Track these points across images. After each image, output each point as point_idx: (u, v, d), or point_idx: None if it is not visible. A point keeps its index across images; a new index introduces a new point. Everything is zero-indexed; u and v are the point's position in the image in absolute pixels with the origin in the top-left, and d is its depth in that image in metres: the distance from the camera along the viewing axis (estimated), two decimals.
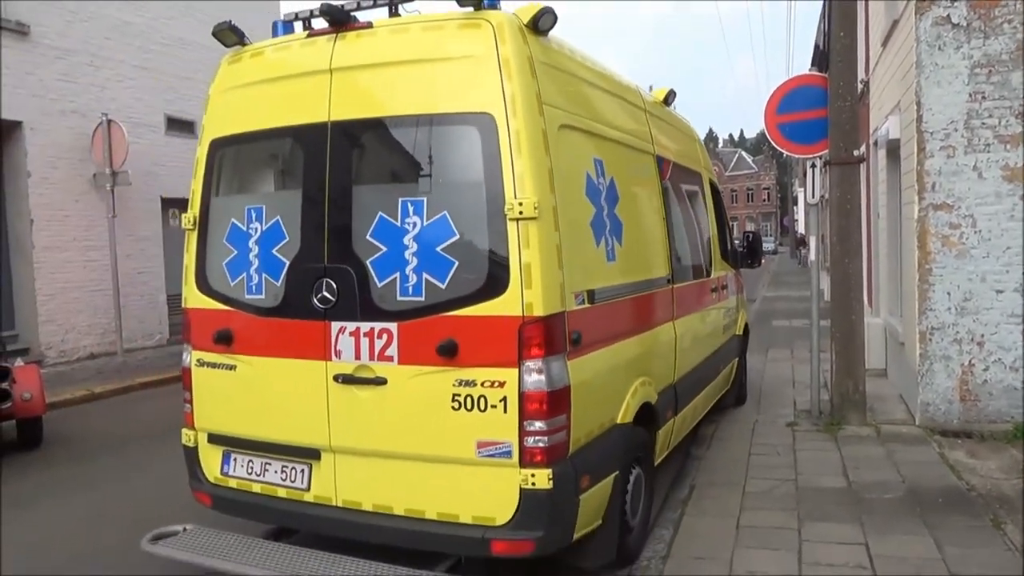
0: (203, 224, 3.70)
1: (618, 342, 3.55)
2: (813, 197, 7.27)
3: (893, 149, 8.29)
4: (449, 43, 3.12)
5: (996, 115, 6.50)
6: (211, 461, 3.73)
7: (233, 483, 3.63)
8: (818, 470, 5.70)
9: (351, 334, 3.25)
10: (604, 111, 3.75)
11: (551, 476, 2.98)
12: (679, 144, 5.23)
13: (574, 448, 3.11)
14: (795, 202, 57.98)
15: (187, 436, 3.83)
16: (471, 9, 3.03)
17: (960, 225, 6.62)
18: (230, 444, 3.63)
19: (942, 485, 5.23)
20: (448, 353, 3.07)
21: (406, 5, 3.36)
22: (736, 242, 6.80)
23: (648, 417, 3.74)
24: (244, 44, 3.60)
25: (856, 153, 6.83)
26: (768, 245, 60.31)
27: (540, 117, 3.07)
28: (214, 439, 3.70)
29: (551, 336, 3.02)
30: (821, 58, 22.93)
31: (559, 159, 3.13)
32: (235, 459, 3.64)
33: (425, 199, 3.16)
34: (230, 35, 3.59)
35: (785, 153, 7.43)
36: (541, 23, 3.18)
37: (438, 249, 3.12)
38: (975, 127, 6.54)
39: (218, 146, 3.66)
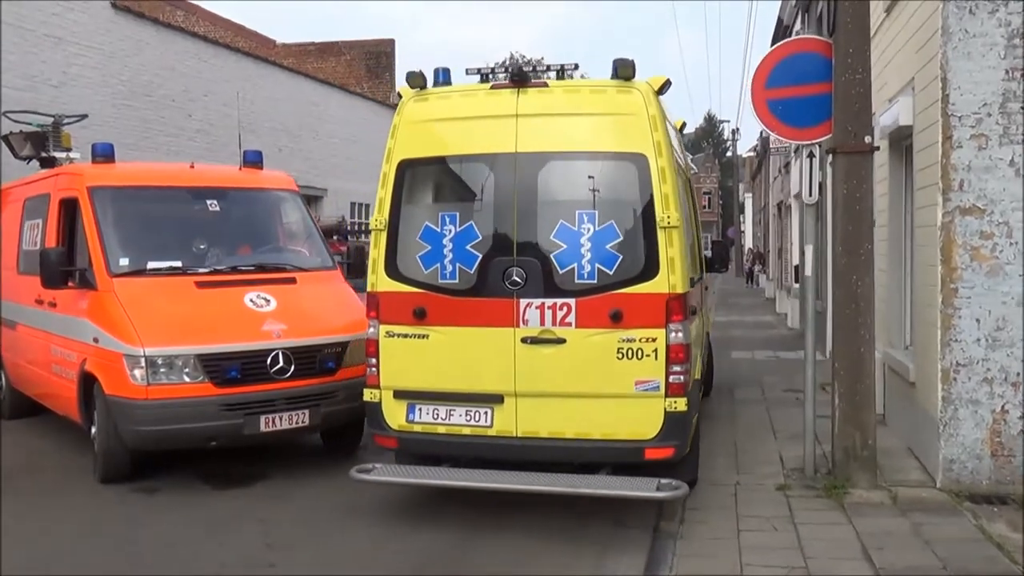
0: (393, 225, 6.36)
1: (697, 318, 6.54)
2: (810, 196, 7.08)
3: (900, 139, 8.27)
4: (610, 102, 6.10)
5: None
6: (395, 412, 6.29)
7: (418, 428, 6.22)
8: (832, 552, 5.44)
9: (537, 308, 6.01)
10: (677, 147, 6.55)
11: (687, 403, 5.88)
12: (682, 149, 7.40)
13: (691, 387, 5.98)
14: (741, 210, 60.53)
15: (371, 394, 6.36)
16: (625, 80, 6.07)
17: (993, 234, 6.55)
18: (416, 397, 6.22)
19: (995, 572, 5.04)
20: (616, 319, 5.91)
21: (570, 72, 6.45)
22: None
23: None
24: (426, 87, 6.49)
25: (868, 140, 6.68)
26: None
27: (672, 157, 6.09)
28: (400, 394, 6.27)
29: (685, 307, 5.91)
30: (783, 37, 23.83)
31: (677, 184, 6.13)
32: (420, 409, 6.24)
33: (597, 212, 6.02)
34: (417, 79, 6.44)
35: (777, 138, 7.22)
36: (662, 89, 6.21)
37: (607, 247, 6.00)
38: (1012, 112, 6.49)
39: (407, 165, 6.39)
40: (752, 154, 57.15)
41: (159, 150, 15.49)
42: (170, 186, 8.22)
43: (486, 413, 6.24)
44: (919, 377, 7.35)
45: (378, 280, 6.43)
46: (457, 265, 6.30)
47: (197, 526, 6.28)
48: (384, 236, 6.43)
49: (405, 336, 6.37)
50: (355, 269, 8.76)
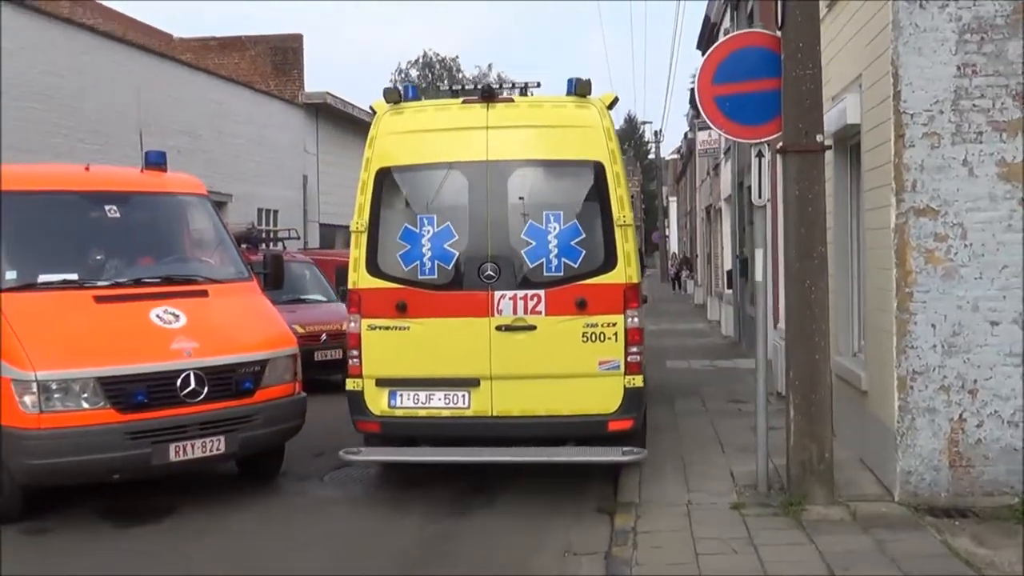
0: (373, 228, 7.48)
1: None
2: (760, 197, 7.05)
3: (846, 138, 8.34)
4: (570, 116, 7.45)
5: (989, 95, 6.54)
6: (377, 399, 7.34)
7: (400, 412, 7.30)
8: (797, 574, 5.36)
9: (510, 299, 7.27)
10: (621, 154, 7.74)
11: (643, 379, 7.26)
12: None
13: (644, 366, 7.34)
14: (665, 214, 61.39)
15: (354, 383, 7.38)
16: (581, 96, 7.45)
17: (947, 236, 6.59)
18: (397, 384, 7.31)
19: None
20: (581, 306, 7.20)
21: (532, 89, 7.89)
22: None
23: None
24: (400, 102, 7.69)
25: (820, 139, 6.67)
26: None
27: (622, 164, 7.50)
28: (382, 382, 7.33)
29: (639, 295, 7.33)
30: (710, 35, 23.96)
31: (628, 188, 7.58)
32: (401, 395, 7.32)
33: (562, 212, 7.35)
34: (394, 94, 7.64)
35: (725, 136, 7.17)
36: (612, 105, 7.60)
37: (571, 243, 7.30)
38: (965, 109, 6.56)
39: (385, 173, 7.53)
40: (676, 157, 58.14)
41: (49, 152, 14.77)
42: (63, 190, 7.74)
43: (464, 396, 7.42)
44: (872, 385, 7.37)
45: (359, 278, 7.58)
46: (436, 262, 7.51)
47: (100, 571, 5.92)
48: (364, 237, 7.61)
49: (387, 328, 7.49)
50: (272, 279, 8.43)
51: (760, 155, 7.02)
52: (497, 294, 7.45)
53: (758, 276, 7.23)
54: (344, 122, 26.99)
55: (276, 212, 23.08)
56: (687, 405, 10.99)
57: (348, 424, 7.57)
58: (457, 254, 7.51)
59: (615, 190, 7.43)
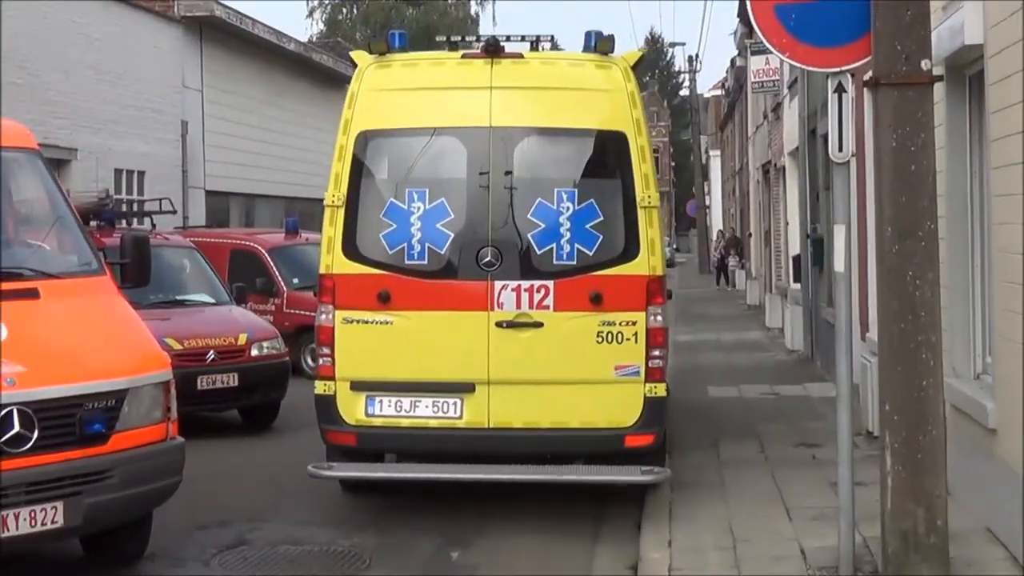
0: (351, 202, 8.67)
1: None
2: (840, 151, 7.03)
3: (964, 65, 8.35)
4: (589, 77, 8.64)
5: None
6: (352, 406, 8.57)
7: (378, 422, 8.53)
8: None
9: (512, 290, 8.39)
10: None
11: (666, 388, 8.44)
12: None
13: (667, 374, 8.52)
14: (705, 175, 61.21)
15: (324, 387, 8.65)
16: (603, 54, 8.61)
17: None
18: (375, 388, 8.54)
19: None
20: (596, 301, 8.34)
21: (544, 43, 9.00)
22: None
23: None
24: (386, 54, 8.87)
25: (926, 66, 6.65)
26: None
27: (648, 134, 8.57)
28: (357, 386, 8.55)
29: (664, 289, 8.49)
30: None
31: (653, 163, 8.79)
32: (380, 401, 8.54)
33: (576, 190, 8.54)
34: (382, 45, 8.85)
35: (790, 62, 7.15)
36: (637, 64, 8.84)
37: (587, 227, 8.46)
38: None
39: (368, 137, 8.73)
40: (719, 93, 58.32)
41: None
42: None
43: (455, 404, 8.63)
44: (1004, 421, 7.38)
45: (334, 261, 8.72)
46: (426, 245, 8.63)
47: None
48: (341, 213, 8.70)
49: (366, 322, 8.70)
50: (135, 273, 8.35)
51: (840, 90, 7.00)
52: (498, 284, 8.62)
53: (838, 265, 7.21)
54: (241, 44, 26.97)
55: (142, 174, 22.99)
56: (738, 451, 11.05)
57: (253, 482, 7.57)
58: (452, 236, 8.63)
59: (639, 166, 8.64)
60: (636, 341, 8.55)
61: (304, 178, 29.94)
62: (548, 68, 9.11)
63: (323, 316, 8.83)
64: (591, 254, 8.60)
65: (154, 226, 15.64)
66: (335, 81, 31.96)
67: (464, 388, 8.63)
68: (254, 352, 13.05)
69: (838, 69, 6.97)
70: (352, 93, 8.91)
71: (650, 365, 8.52)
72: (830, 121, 7.06)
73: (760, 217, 31.84)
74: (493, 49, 8.81)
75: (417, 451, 8.85)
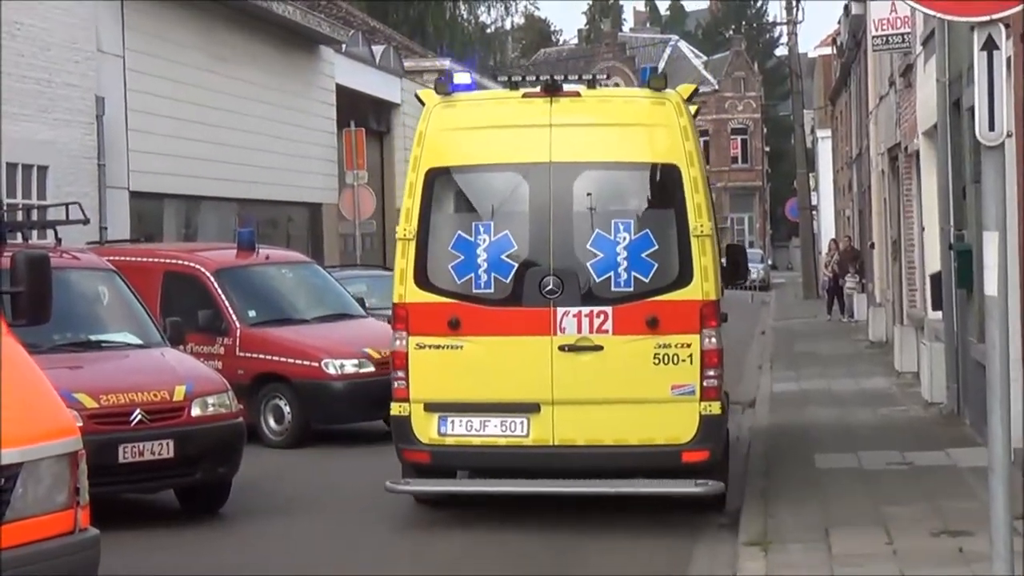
0: (422, 235, 12.52)
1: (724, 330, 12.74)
2: (992, 130, 7.03)
3: None
4: (643, 113, 12.77)
5: None
6: (426, 426, 12.38)
7: (451, 440, 12.43)
8: None
9: (574, 316, 12.27)
10: (700, 148, 12.63)
11: (720, 406, 12.36)
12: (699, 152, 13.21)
13: (722, 392, 12.52)
14: (811, 164, 60.57)
15: (399, 408, 12.46)
16: (656, 90, 12.51)
17: None
18: (448, 409, 12.40)
19: None
20: (652, 325, 12.21)
21: (601, 80, 13.84)
22: None
23: None
24: (451, 94, 12.76)
25: None
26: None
27: (702, 166, 12.94)
28: (431, 407, 12.37)
29: (718, 313, 12.46)
30: None
31: (707, 193, 12.80)
32: (452, 421, 12.38)
33: (632, 221, 12.45)
34: (443, 86, 12.72)
35: (924, 10, 7.15)
36: (691, 97, 13.12)
37: (643, 255, 12.33)
38: None
39: (436, 174, 12.61)
40: (829, 52, 58.00)
41: None
42: None
43: (522, 423, 12.20)
44: None
45: (407, 291, 12.39)
46: (492, 275, 12.22)
47: None
48: (412, 246, 12.36)
49: (438, 347, 12.33)
50: (29, 306, 8.37)
51: (990, 47, 7.00)
52: (560, 310, 12.16)
53: (990, 287, 7.20)
54: None
55: (43, 170, 22.95)
56: (857, 543, 11.03)
57: None
58: (516, 266, 12.27)
59: (692, 196, 12.10)
60: (691, 362, 12.03)
61: (264, 173, 30.15)
62: (604, 105, 12.83)
63: (398, 342, 12.46)
64: (647, 281, 12.10)
65: (59, 241, 15.36)
66: (305, 41, 32.16)
67: (530, 408, 12.22)
68: (196, 411, 12.90)
69: (987, 18, 6.98)
70: (420, 132, 12.47)
71: (705, 384, 12.00)
72: (977, 90, 7.06)
73: (886, 221, 31.74)
74: (552, 88, 12.36)
75: (487, 467, 12.69)
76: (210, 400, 13.17)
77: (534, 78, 12.43)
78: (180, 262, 18.85)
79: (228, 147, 28.82)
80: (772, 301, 55.11)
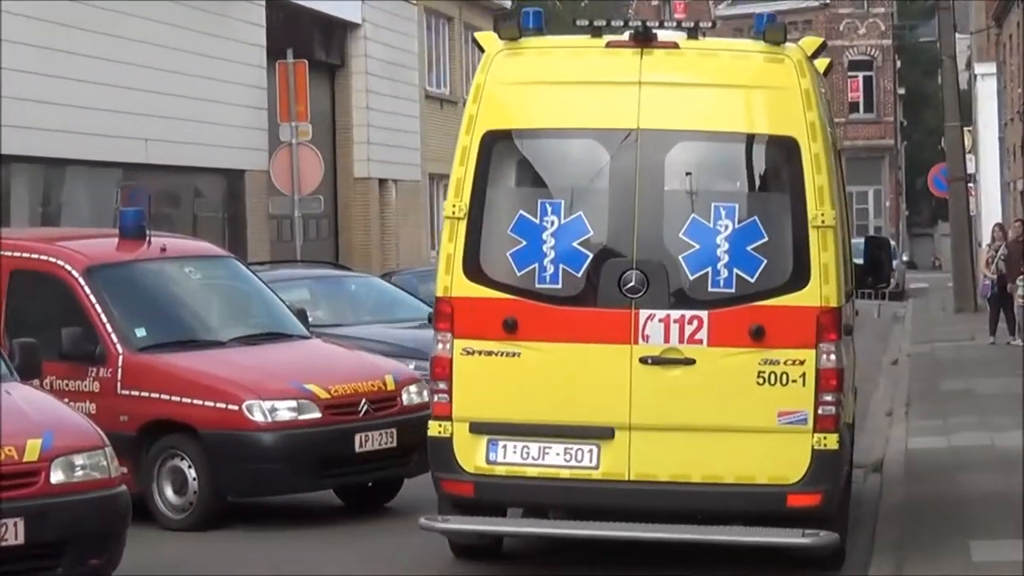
0: (475, 213, 13.98)
1: (850, 344, 15.38)
2: None
3: None
4: (755, 72, 14.19)
5: None
6: (471, 451, 14.01)
7: (501, 470, 14.03)
8: None
9: (660, 320, 13.77)
10: (829, 117, 15.15)
11: (838, 439, 13.76)
12: (832, 124, 14.92)
13: (843, 423, 14.12)
14: (968, 118, 59.66)
15: (439, 428, 14.09)
16: (773, 44, 13.97)
17: None
18: (498, 431, 14.02)
19: None
20: (757, 336, 13.64)
21: (704, 29, 14.69)
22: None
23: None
24: (518, 39, 14.22)
25: None
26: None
27: (829, 140, 14.65)
28: (478, 427, 14.01)
29: (839, 324, 14.03)
30: None
31: (834, 174, 14.64)
32: (503, 446, 13.97)
33: (736, 205, 13.94)
34: (512, 30, 14.19)
35: None
36: (816, 54, 15.01)
37: (748, 249, 13.74)
38: None
39: (495, 138, 14.08)
40: None
41: None
42: None
43: (591, 451, 13.40)
44: None
45: (453, 282, 13.57)
46: (560, 266, 13.39)
47: None
48: (463, 226, 13.53)
49: (490, 354, 13.54)
50: None
51: None
52: (643, 314, 13.39)
53: None
54: None
55: None
56: None
57: None
58: (591, 256, 13.50)
59: (813, 177, 13.24)
60: (804, 384, 13.21)
61: (160, 126, 30.12)
62: (708, 61, 14.01)
63: (440, 346, 13.70)
64: (753, 281, 13.29)
65: None
66: None
67: (602, 433, 13.48)
68: (57, 476, 12.89)
69: None
70: (478, 85, 13.76)
71: (820, 412, 13.18)
72: None
73: None
74: (643, 37, 13.47)
75: (545, 504, 14.27)
76: (78, 460, 13.09)
77: (621, 23, 13.66)
78: (34, 257, 18.59)
79: (107, 89, 28.88)
80: (909, 314, 55.15)
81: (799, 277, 13.03)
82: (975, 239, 57.25)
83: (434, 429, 13.61)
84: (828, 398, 12.86)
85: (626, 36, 13.36)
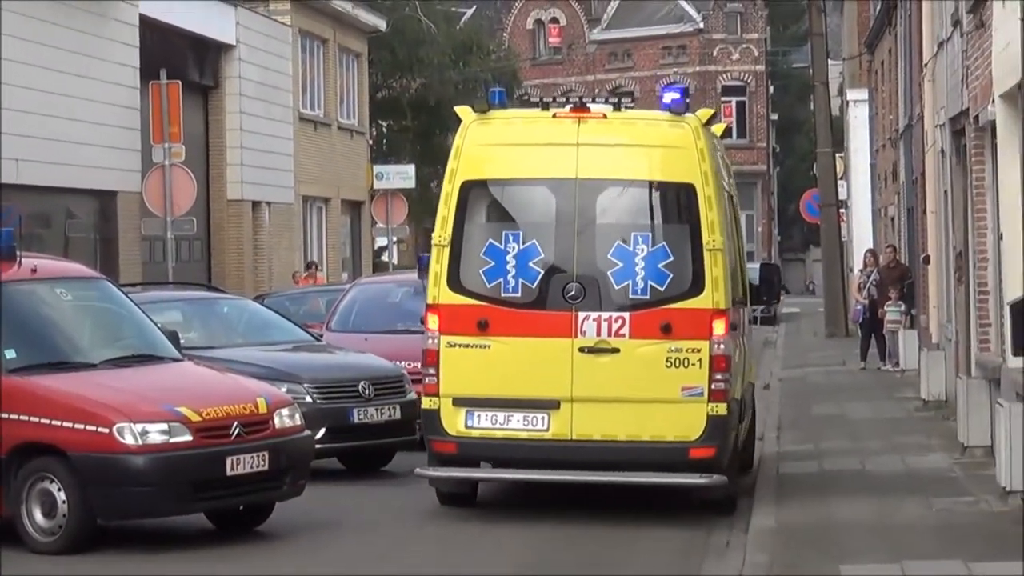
0: (456, 242, 20.82)
1: (739, 338, 23.14)
2: None
3: None
4: (662, 135, 21.55)
5: None
6: (454, 419, 20.81)
7: (476, 433, 20.88)
8: None
9: (594, 320, 20.62)
10: (722, 169, 23.03)
11: (727, 408, 20.72)
12: (728, 174, 23.74)
13: (730, 396, 21.31)
14: (841, 141, 60.04)
15: (430, 402, 21.07)
16: (676, 115, 21.49)
17: None
18: (475, 404, 20.86)
19: None
20: (666, 331, 20.58)
21: (625, 103, 22.31)
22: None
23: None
24: (488, 112, 21.63)
25: None
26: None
27: (719, 185, 21.87)
28: (459, 401, 20.82)
29: (727, 321, 21.16)
30: None
31: (723, 210, 21.96)
32: (478, 415, 20.80)
33: (650, 234, 21.01)
34: (483, 106, 21.45)
35: None
36: (711, 121, 22.32)
37: (659, 266, 20.80)
38: None
39: (471, 186, 21.04)
40: None
41: None
42: None
43: (543, 418, 19.43)
44: None
45: (440, 293, 19.53)
46: (520, 280, 19.40)
47: None
48: (447, 252, 19.44)
49: (467, 346, 19.56)
50: None
51: None
52: (581, 315, 19.03)
53: None
54: None
55: None
56: None
57: None
58: (542, 272, 19.14)
59: (707, 213, 18.99)
60: (700, 366, 18.96)
61: (31, 146, 29.93)
62: (628, 127, 20.03)
63: (430, 341, 19.46)
64: (662, 290, 19.07)
65: None
66: None
67: (551, 405, 19.18)
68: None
69: None
70: (457, 146, 19.58)
71: (713, 387, 18.98)
72: None
73: (946, 224, 31.93)
74: (580, 109, 19.37)
75: (510, 459, 19.59)
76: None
77: (564, 100, 19.87)
78: None
79: None
80: (780, 339, 55.46)
81: (697, 287, 18.90)
82: (846, 264, 57.61)
83: (426, 403, 19.49)
84: (719, 376, 18.78)
85: (567, 109, 19.37)
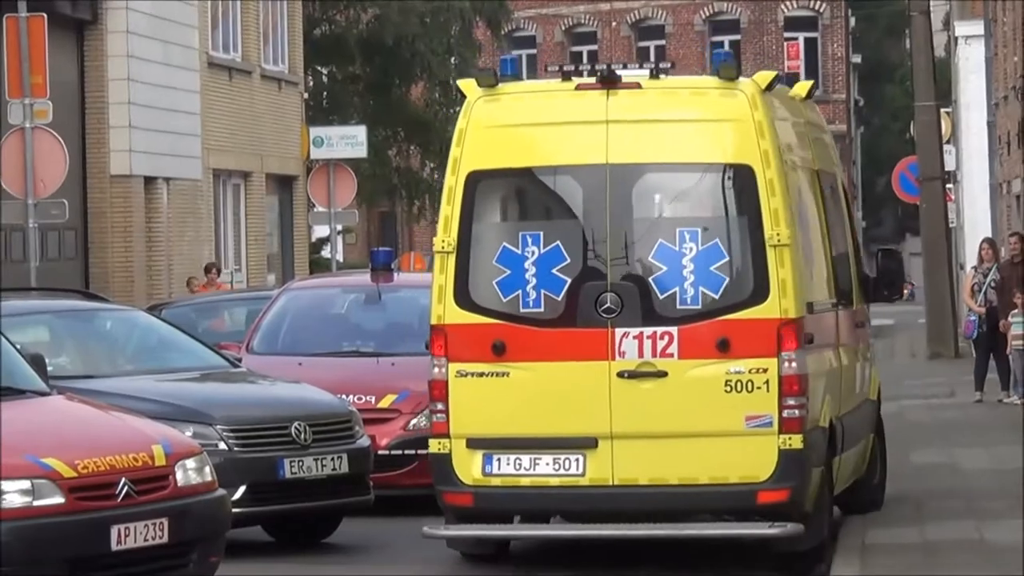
0: (463, 247, 22.15)
1: (827, 350, 24.58)
2: None
3: None
4: (711, 107, 22.96)
5: None
6: (469, 465, 22.11)
7: (497, 481, 22.13)
8: None
9: (634, 337, 21.89)
10: (792, 142, 24.42)
11: (803, 439, 21.57)
12: (821, 149, 26.31)
13: (810, 425, 22.47)
14: (948, 93, 60.17)
15: (439, 445, 22.41)
16: (727, 80, 22.74)
17: None
18: (493, 446, 22.17)
19: None
20: (723, 348, 21.85)
21: (664, 69, 23.79)
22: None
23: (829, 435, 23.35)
24: (496, 85, 23.12)
25: None
26: None
27: (783, 165, 22.85)
28: (474, 443, 22.22)
29: (800, 333, 22.23)
30: None
31: (790, 196, 23.21)
32: (497, 459, 21.98)
33: (699, 229, 22.09)
34: (490, 78, 22.76)
35: None
36: (771, 86, 23.37)
37: (712, 268, 21.99)
38: None
39: (478, 177, 22.33)
40: None
41: None
42: None
43: (577, 460, 20.27)
44: None
45: (446, 311, 20.50)
46: (542, 291, 20.34)
47: None
48: (452, 260, 20.43)
49: (481, 375, 20.51)
50: None
51: None
52: (619, 332, 19.75)
53: None
54: None
55: None
56: None
57: None
58: (569, 281, 19.87)
59: (768, 201, 19.52)
60: (768, 390, 19.43)
61: None
62: (668, 98, 20.71)
63: (436, 370, 19.96)
64: (717, 297, 19.70)
65: None
66: None
67: (586, 443, 19.84)
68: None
69: None
70: (460, 130, 20.08)
71: (784, 415, 19.32)
72: None
73: None
74: (609, 79, 19.82)
75: (539, 511, 20.66)
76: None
77: (588, 67, 20.15)
78: None
79: None
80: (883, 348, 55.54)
81: (759, 292, 19.24)
82: (956, 260, 57.68)
83: (434, 446, 20.03)
84: (791, 402, 18.99)
85: (593, 79, 19.69)
